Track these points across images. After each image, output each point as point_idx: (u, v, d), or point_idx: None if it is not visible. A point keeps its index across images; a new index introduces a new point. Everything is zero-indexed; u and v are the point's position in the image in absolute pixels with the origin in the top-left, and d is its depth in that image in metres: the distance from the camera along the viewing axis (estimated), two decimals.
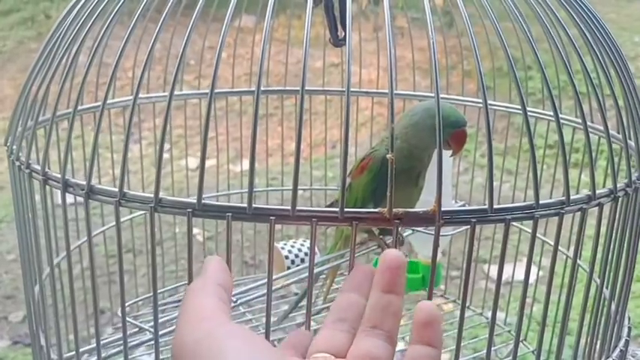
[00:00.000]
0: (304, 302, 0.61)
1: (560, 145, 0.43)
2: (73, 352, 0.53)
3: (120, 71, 0.49)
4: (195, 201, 0.41)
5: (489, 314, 0.89)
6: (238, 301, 0.63)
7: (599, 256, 0.50)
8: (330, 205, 0.79)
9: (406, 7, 0.92)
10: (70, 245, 0.49)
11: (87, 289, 0.75)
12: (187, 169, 0.96)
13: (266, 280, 0.43)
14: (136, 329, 0.64)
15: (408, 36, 0.94)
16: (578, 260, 0.48)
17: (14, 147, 0.54)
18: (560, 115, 0.72)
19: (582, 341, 0.53)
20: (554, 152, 0.63)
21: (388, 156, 0.40)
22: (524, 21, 0.48)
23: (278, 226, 0.42)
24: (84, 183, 0.45)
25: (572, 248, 0.52)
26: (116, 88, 0.80)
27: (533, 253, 0.45)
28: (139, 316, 0.86)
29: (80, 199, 0.46)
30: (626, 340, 0.57)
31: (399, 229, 0.41)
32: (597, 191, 0.45)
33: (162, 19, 0.45)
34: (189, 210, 0.41)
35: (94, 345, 0.49)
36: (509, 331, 0.88)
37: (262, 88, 0.98)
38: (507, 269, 0.78)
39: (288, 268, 0.86)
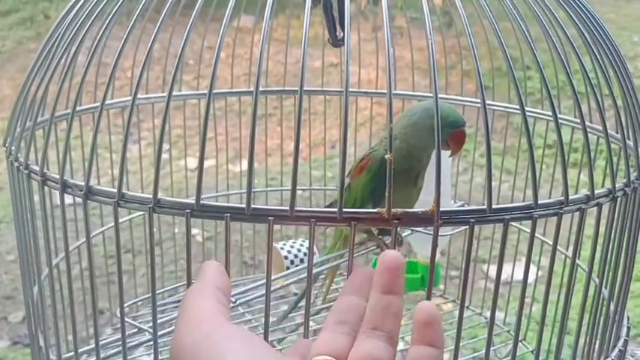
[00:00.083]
0: (304, 302, 0.60)
1: (559, 145, 0.43)
2: (72, 353, 0.53)
3: (119, 71, 0.49)
4: (193, 202, 0.41)
5: (489, 314, 0.89)
6: (237, 302, 0.63)
7: (597, 255, 0.50)
8: (329, 206, 0.79)
9: (405, 7, 0.92)
10: (68, 246, 0.49)
11: (86, 290, 0.75)
12: (186, 170, 0.96)
13: (265, 280, 0.43)
14: (135, 330, 0.64)
15: (407, 36, 0.94)
16: (577, 260, 0.48)
17: (13, 148, 0.54)
18: (559, 115, 0.72)
19: (581, 341, 0.53)
20: (553, 152, 0.63)
21: (387, 156, 0.40)
22: (522, 21, 0.48)
23: (277, 227, 0.42)
24: (82, 184, 0.45)
25: (571, 248, 0.52)
26: (115, 88, 0.79)
27: (533, 252, 0.45)
28: (139, 316, 0.86)
29: (79, 199, 0.46)
30: (625, 339, 0.58)
31: (398, 229, 0.41)
32: (596, 191, 0.45)
33: (160, 19, 0.45)
34: (188, 211, 0.41)
35: (93, 345, 0.49)
36: (508, 331, 0.88)
37: (261, 89, 0.98)
38: (506, 269, 0.78)
39: (288, 268, 0.86)
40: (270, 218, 0.40)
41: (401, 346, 0.64)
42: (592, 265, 0.49)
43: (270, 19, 0.43)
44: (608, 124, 0.51)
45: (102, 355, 0.51)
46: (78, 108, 0.69)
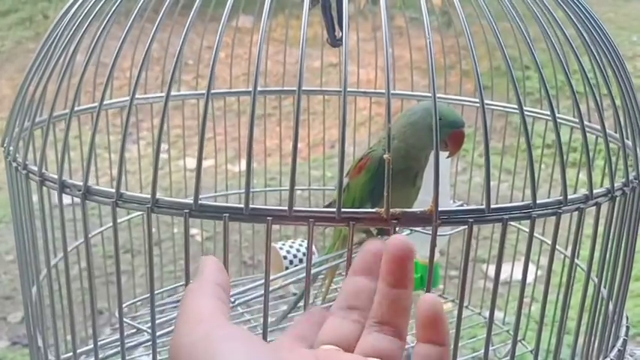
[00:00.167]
0: (303, 302, 0.60)
1: (558, 145, 0.43)
2: (71, 354, 0.53)
3: (118, 71, 0.49)
4: (192, 202, 0.41)
5: (488, 314, 0.89)
6: (236, 302, 0.63)
7: (596, 254, 0.50)
8: (328, 206, 0.79)
9: (404, 7, 0.92)
10: (67, 247, 0.49)
11: (85, 290, 0.75)
12: (185, 170, 0.96)
13: (264, 280, 0.43)
14: (134, 330, 0.64)
15: (407, 35, 0.94)
16: (576, 260, 0.48)
17: (11, 148, 0.54)
18: (558, 115, 0.72)
19: (580, 340, 0.53)
20: (552, 152, 0.63)
21: (385, 156, 0.40)
22: (521, 21, 0.48)
23: (276, 227, 0.42)
24: (81, 184, 0.45)
25: (570, 247, 0.52)
26: (114, 87, 0.80)
27: (532, 252, 0.45)
28: (138, 316, 0.86)
29: (78, 199, 0.46)
30: (624, 339, 0.58)
31: (397, 229, 0.41)
32: (595, 191, 0.45)
33: (159, 18, 0.45)
34: (187, 211, 0.41)
35: (92, 346, 0.49)
36: (507, 331, 0.88)
37: (260, 89, 0.98)
38: (506, 268, 0.78)
39: (287, 268, 0.86)
40: (268, 218, 0.40)
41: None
42: (591, 265, 0.49)
43: (268, 19, 0.43)
44: (607, 123, 0.51)
45: (100, 356, 0.51)
46: (76, 108, 0.69)
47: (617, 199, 0.49)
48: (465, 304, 0.86)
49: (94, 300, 0.48)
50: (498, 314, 0.92)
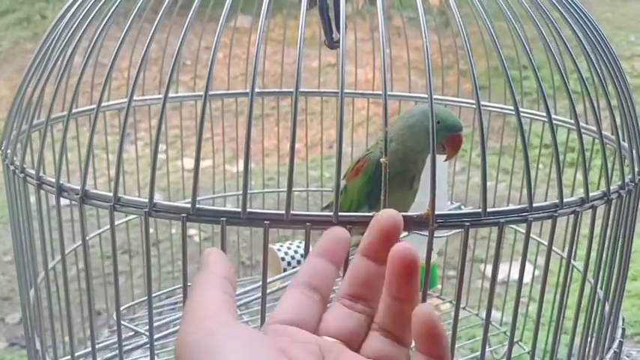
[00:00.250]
0: None
1: (554, 149, 0.44)
2: (69, 357, 0.53)
3: (116, 71, 0.49)
4: (189, 206, 0.41)
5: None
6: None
7: (593, 254, 0.50)
8: (326, 207, 0.79)
9: (402, 7, 0.92)
10: (64, 250, 0.49)
11: (83, 291, 0.75)
12: (183, 170, 0.96)
13: (261, 284, 0.43)
14: (133, 332, 0.64)
15: (405, 36, 0.94)
16: (573, 261, 0.48)
17: (9, 151, 0.54)
18: (555, 117, 0.72)
19: (577, 340, 0.53)
20: (550, 152, 0.63)
21: (382, 160, 0.40)
22: (517, 21, 0.48)
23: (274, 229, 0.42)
24: (78, 187, 0.45)
25: (567, 249, 0.52)
26: (112, 88, 0.80)
27: (530, 252, 0.45)
28: (136, 318, 0.86)
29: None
30: (620, 341, 0.58)
31: None
32: (590, 194, 0.46)
33: (157, 19, 0.45)
34: (184, 215, 0.41)
35: (90, 349, 0.49)
36: (504, 332, 0.89)
37: (258, 90, 0.98)
38: (504, 268, 0.78)
39: (285, 269, 0.86)
40: (265, 222, 0.40)
41: None
42: (587, 266, 0.49)
43: (266, 19, 0.43)
44: (604, 124, 0.51)
45: (98, 359, 0.51)
46: (74, 110, 0.69)
47: (613, 201, 0.49)
48: (463, 305, 0.86)
49: (92, 303, 0.48)
50: (497, 315, 0.92)
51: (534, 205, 0.42)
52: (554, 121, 0.46)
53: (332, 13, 0.67)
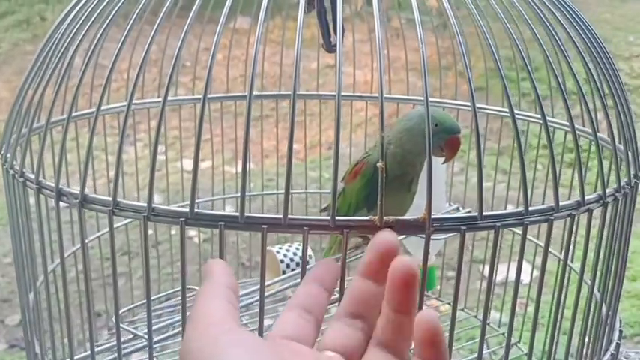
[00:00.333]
0: None
1: (550, 153, 0.44)
2: (68, 359, 0.53)
3: (115, 73, 0.49)
4: (187, 210, 0.42)
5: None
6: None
7: (590, 255, 0.50)
8: (324, 210, 0.79)
9: (400, 9, 0.92)
10: (64, 254, 0.49)
11: (82, 293, 0.76)
12: (182, 171, 0.97)
13: (259, 286, 0.44)
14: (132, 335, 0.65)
15: (403, 37, 0.95)
16: (569, 263, 0.49)
17: (8, 155, 0.54)
18: (551, 119, 0.72)
19: (575, 341, 0.53)
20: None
21: (378, 165, 0.40)
22: (513, 23, 0.48)
23: None
24: (78, 192, 0.45)
25: (564, 251, 0.52)
26: (112, 89, 0.80)
27: (529, 252, 0.45)
28: (135, 320, 0.86)
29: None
30: (617, 343, 0.58)
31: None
32: (586, 197, 0.46)
33: (157, 21, 0.45)
34: (182, 219, 0.42)
35: (89, 352, 0.49)
36: (503, 334, 0.89)
37: (257, 93, 0.98)
38: (502, 269, 0.78)
39: (284, 272, 0.86)
40: (263, 227, 0.40)
41: None
42: (583, 268, 0.50)
43: (265, 20, 0.43)
44: (601, 127, 0.51)
45: None
46: (74, 114, 0.70)
47: (609, 205, 0.49)
48: (462, 306, 0.86)
49: (91, 308, 0.48)
50: (496, 315, 0.93)
51: (530, 209, 0.43)
52: (550, 124, 0.46)
53: (330, 16, 0.67)
